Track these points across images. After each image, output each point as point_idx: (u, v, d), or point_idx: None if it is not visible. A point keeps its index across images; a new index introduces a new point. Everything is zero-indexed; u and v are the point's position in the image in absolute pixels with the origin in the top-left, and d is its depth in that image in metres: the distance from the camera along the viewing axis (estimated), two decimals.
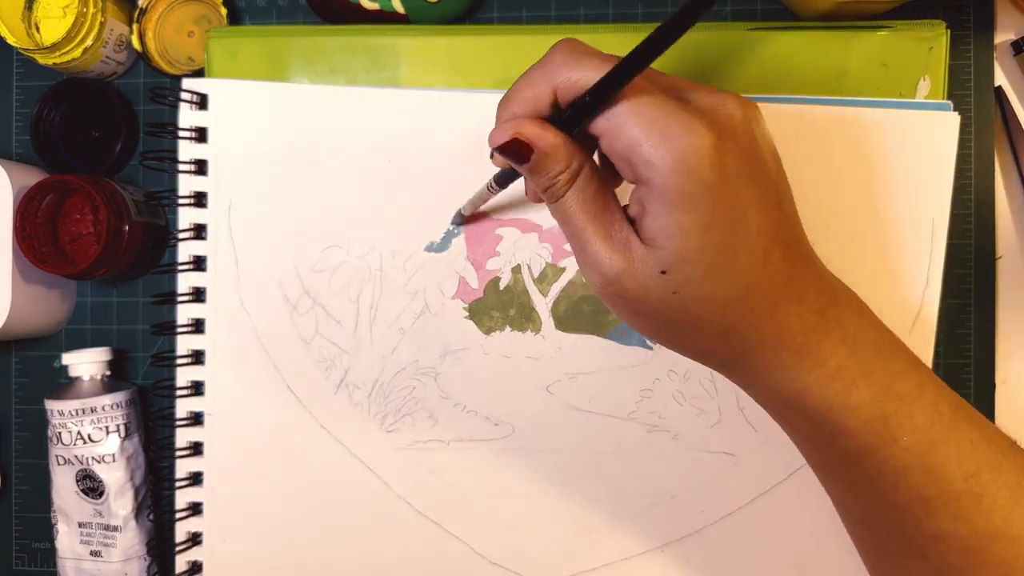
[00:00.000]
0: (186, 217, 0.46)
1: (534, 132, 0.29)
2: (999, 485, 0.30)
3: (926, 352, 0.44)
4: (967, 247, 0.49)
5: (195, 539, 0.48)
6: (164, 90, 0.46)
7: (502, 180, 0.37)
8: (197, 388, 0.47)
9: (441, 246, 0.46)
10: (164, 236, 0.53)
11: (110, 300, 0.53)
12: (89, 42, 0.49)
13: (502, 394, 0.46)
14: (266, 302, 0.46)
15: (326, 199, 0.46)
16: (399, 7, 0.48)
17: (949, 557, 0.31)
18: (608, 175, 0.32)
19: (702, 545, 0.46)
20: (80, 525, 0.49)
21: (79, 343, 0.53)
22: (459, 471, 0.46)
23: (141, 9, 0.50)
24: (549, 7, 0.51)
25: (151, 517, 0.51)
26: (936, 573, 0.32)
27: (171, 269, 0.46)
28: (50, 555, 0.53)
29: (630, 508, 0.46)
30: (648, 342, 0.45)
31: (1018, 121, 0.49)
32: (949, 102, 0.44)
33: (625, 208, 0.30)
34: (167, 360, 0.47)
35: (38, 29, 0.51)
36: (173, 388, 0.47)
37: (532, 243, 0.45)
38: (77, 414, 0.48)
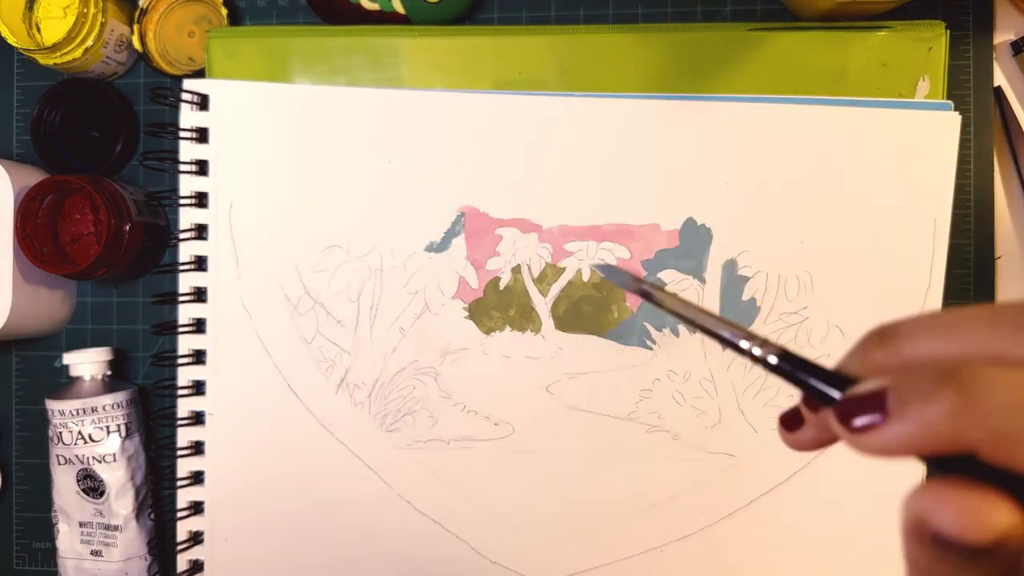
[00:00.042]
0: (187, 217, 0.46)
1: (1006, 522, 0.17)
2: None
3: None
4: (966, 247, 0.49)
5: (196, 538, 0.48)
6: (165, 90, 0.46)
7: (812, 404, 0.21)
8: (198, 387, 0.47)
9: (441, 246, 0.46)
10: (164, 236, 0.53)
11: (110, 300, 0.54)
12: (90, 42, 0.49)
13: (502, 394, 0.46)
14: (267, 302, 0.46)
15: (327, 199, 0.46)
16: (399, 8, 0.48)
17: None
18: None
19: (702, 545, 0.46)
20: (81, 525, 0.50)
21: (80, 343, 0.53)
22: (459, 471, 0.46)
23: (142, 9, 0.50)
24: (549, 7, 0.51)
25: (152, 516, 0.51)
26: None
27: (172, 269, 0.46)
28: (51, 555, 0.54)
29: (630, 508, 0.46)
30: (648, 342, 0.45)
31: (1017, 121, 0.49)
32: (949, 102, 0.44)
33: None
34: (168, 360, 0.47)
35: (39, 29, 0.51)
36: (174, 388, 0.47)
37: (532, 243, 0.45)
38: (78, 414, 0.48)
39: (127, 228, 0.48)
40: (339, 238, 0.46)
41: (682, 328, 0.45)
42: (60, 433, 0.49)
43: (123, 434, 0.49)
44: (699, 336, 0.45)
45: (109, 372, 0.51)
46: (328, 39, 0.47)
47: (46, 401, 0.49)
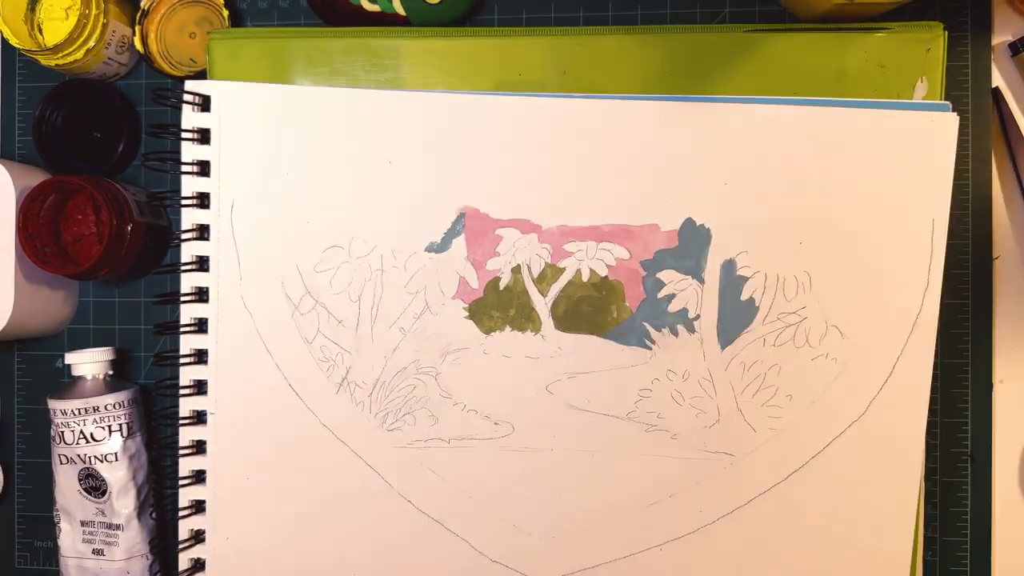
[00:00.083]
0: (189, 218, 0.46)
1: None
2: None
3: (926, 354, 0.44)
4: (964, 247, 0.49)
5: (198, 537, 0.48)
6: (166, 91, 0.46)
7: None
8: (200, 387, 0.47)
9: (441, 246, 0.46)
10: (166, 236, 0.53)
11: (112, 300, 0.54)
12: (91, 43, 0.49)
13: (502, 394, 0.46)
14: (268, 302, 0.47)
15: (327, 199, 0.46)
16: (400, 9, 0.48)
17: None
18: None
19: (701, 544, 0.46)
20: (82, 524, 0.50)
21: (82, 343, 0.54)
22: (459, 470, 0.47)
23: (143, 11, 0.51)
24: (549, 9, 0.51)
25: (153, 515, 0.51)
26: None
27: (174, 269, 0.47)
28: (52, 554, 0.54)
29: (629, 507, 0.46)
30: (647, 342, 0.46)
31: (1015, 122, 0.49)
32: (948, 103, 0.44)
33: None
34: (170, 359, 0.47)
35: (41, 31, 0.52)
36: (176, 387, 0.47)
37: (532, 243, 0.46)
38: (80, 413, 0.49)
39: (129, 228, 0.48)
40: (340, 238, 0.46)
41: (681, 328, 0.45)
42: (62, 432, 0.49)
43: (125, 433, 0.49)
44: (698, 336, 0.45)
45: (111, 372, 0.51)
46: (329, 40, 0.47)
47: (48, 400, 0.50)
